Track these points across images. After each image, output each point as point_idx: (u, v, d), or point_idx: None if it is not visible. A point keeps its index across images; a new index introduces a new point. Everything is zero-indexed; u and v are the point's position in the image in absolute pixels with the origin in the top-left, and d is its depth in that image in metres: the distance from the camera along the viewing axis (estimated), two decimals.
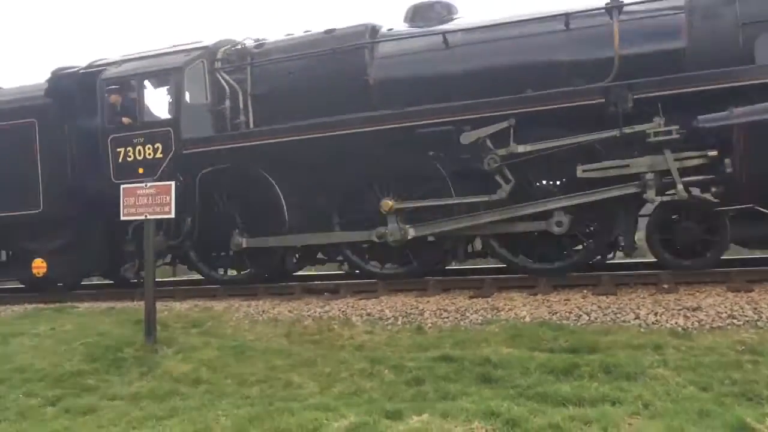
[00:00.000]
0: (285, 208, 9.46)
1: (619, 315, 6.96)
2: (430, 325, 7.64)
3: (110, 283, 12.45)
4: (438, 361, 6.27)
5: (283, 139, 9.17)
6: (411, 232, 8.78)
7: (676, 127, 7.56)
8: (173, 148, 9.63)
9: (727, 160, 7.26)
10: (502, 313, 7.53)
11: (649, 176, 7.66)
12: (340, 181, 9.31)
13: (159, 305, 8.09)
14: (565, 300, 7.67)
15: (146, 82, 10.21)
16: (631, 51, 8.19)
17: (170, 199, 7.66)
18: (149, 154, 9.74)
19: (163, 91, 10.20)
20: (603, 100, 7.82)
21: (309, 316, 8.35)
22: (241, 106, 9.92)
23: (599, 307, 7.23)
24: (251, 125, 9.89)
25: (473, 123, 8.33)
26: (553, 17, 8.69)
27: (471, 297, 8.30)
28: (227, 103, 9.92)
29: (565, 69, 8.45)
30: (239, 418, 5.24)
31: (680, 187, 7.47)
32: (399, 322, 7.81)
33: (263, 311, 8.71)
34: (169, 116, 9.96)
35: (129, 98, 10.19)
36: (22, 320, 8.91)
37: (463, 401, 5.16)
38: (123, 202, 7.86)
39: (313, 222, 9.50)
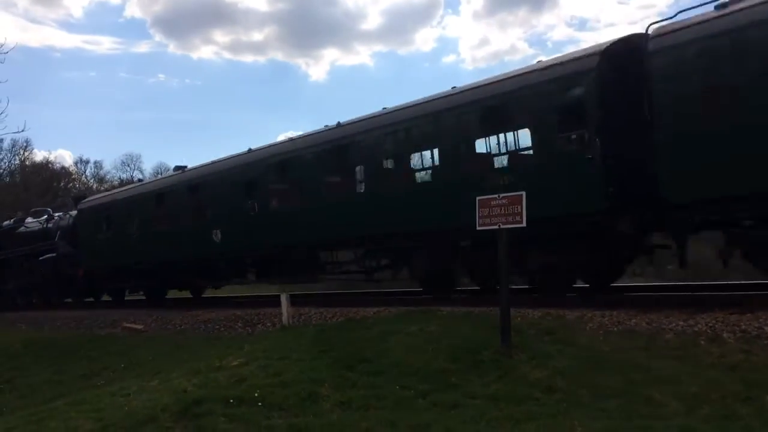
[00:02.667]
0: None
1: None
2: None
3: (475, 290, 13.38)
4: None
5: None
6: None
7: None
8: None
9: None
10: None
11: None
12: None
13: (512, 311, 8.32)
14: None
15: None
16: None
17: (521, 209, 7.86)
18: None
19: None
20: None
21: (670, 329, 7.73)
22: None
23: None
24: None
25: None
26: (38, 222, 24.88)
27: None
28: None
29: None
30: (596, 430, 5.11)
31: None
32: None
33: (618, 322, 8.34)
34: None
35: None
36: (397, 320, 9.97)
37: None
38: (478, 213, 8.32)
39: None
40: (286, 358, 8.14)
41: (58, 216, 24.16)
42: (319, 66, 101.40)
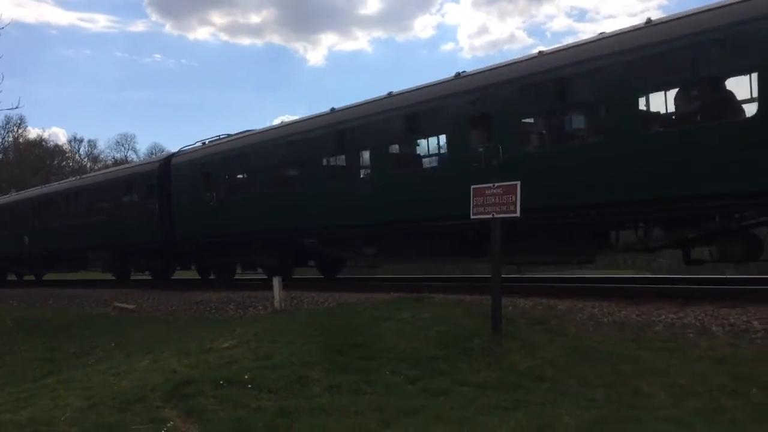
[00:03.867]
0: None
1: None
2: None
3: (462, 278, 13.41)
4: None
5: None
6: None
7: None
8: None
9: None
10: None
11: None
12: None
13: (504, 300, 8.35)
14: None
15: None
16: None
17: (515, 199, 7.85)
18: None
19: None
20: None
21: (660, 321, 7.77)
22: None
23: None
24: None
25: None
26: None
27: None
28: None
29: None
30: (584, 419, 5.14)
31: None
32: None
33: (609, 313, 8.39)
34: None
35: None
36: (389, 306, 9.99)
37: None
38: (473, 202, 8.31)
39: None
40: (276, 341, 8.15)
41: None
42: (317, 50, 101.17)
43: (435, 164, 12.08)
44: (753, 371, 5.95)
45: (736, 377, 5.82)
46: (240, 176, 16.70)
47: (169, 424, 5.93)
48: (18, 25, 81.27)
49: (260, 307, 12.77)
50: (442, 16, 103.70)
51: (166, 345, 9.54)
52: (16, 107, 14.22)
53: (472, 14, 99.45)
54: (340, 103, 14.39)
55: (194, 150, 18.37)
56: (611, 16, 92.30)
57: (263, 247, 15.52)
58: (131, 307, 15.72)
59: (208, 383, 6.69)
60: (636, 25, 9.70)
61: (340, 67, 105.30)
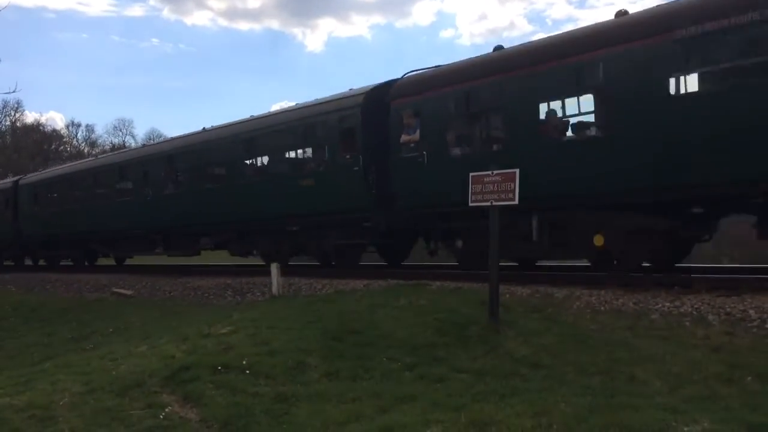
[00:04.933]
0: None
1: None
2: None
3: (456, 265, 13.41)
4: None
5: None
6: None
7: None
8: None
9: None
10: None
11: None
12: None
13: (501, 288, 8.36)
14: None
15: None
16: None
17: (514, 186, 7.83)
18: None
19: None
20: None
21: (656, 310, 7.80)
22: None
23: None
24: None
25: None
26: None
27: None
28: None
29: None
30: (579, 406, 5.15)
31: None
32: (767, 326, 6.81)
33: (606, 301, 8.41)
34: None
35: None
36: (386, 293, 10.04)
37: None
38: (471, 189, 8.30)
39: None
40: (274, 327, 8.16)
41: None
42: (316, 36, 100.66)
43: (129, 198, 20.08)
44: (748, 360, 5.99)
45: (732, 366, 5.85)
46: (51, 196, 24.49)
47: (167, 409, 5.96)
48: (15, 9, 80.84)
49: (258, 293, 12.79)
50: (442, 2, 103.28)
51: (164, 331, 9.56)
52: (14, 91, 14.14)
53: (472, 0, 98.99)
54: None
55: (30, 176, 27.45)
56: (611, 4, 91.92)
57: (71, 244, 23.49)
58: (129, 292, 15.74)
59: (206, 369, 6.71)
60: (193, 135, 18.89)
61: (339, 53, 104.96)
